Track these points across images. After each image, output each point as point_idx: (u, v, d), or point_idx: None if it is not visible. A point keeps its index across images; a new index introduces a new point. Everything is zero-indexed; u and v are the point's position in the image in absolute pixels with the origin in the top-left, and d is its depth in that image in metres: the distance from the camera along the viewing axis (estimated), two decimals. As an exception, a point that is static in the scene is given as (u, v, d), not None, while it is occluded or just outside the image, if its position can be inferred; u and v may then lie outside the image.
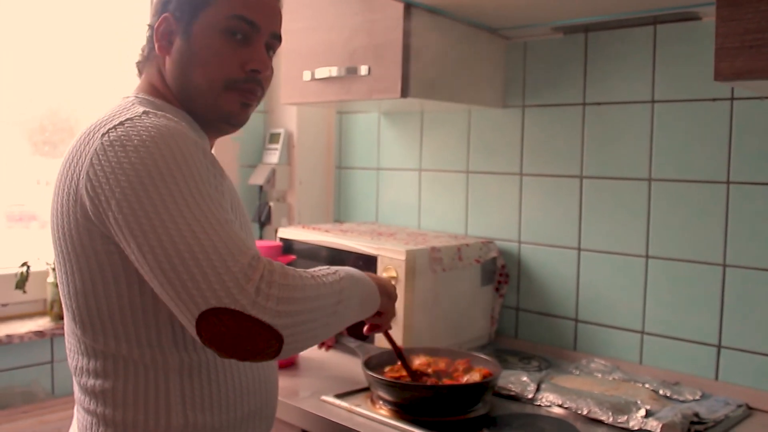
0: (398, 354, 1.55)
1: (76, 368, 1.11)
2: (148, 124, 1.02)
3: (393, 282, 1.67)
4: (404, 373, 1.54)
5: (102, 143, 1.01)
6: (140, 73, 1.24)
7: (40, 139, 2.20)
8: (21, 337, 1.92)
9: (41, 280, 2.09)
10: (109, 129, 1.02)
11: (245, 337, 0.92)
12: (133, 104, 1.10)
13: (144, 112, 1.05)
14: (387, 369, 1.57)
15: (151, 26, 1.20)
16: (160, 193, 0.95)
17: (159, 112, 1.07)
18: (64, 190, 1.05)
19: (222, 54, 1.14)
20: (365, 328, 1.43)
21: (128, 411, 1.06)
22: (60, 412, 1.91)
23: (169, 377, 1.08)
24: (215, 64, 1.14)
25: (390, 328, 1.46)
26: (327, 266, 1.11)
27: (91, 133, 1.04)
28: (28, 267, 2.03)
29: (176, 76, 1.17)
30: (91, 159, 1.00)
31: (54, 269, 2.03)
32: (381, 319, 1.38)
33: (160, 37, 1.17)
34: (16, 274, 2.03)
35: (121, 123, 1.02)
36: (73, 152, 1.06)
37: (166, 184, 0.96)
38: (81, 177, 1.01)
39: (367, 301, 1.22)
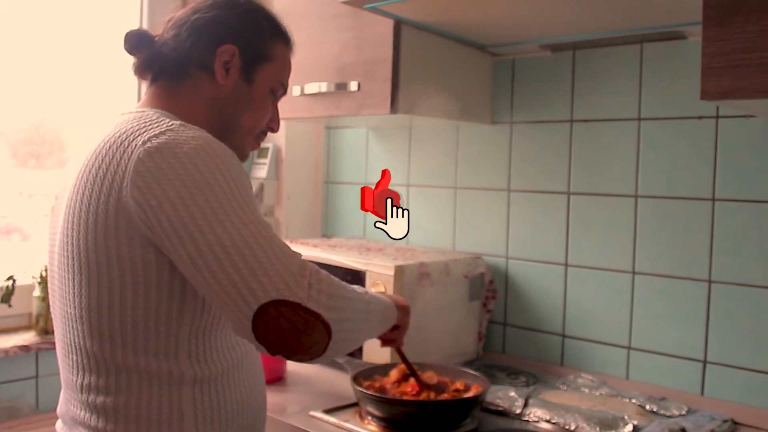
0: (410, 369, 1.56)
1: (82, 386, 1.10)
2: (191, 135, 1.05)
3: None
4: (389, 387, 1.54)
5: (146, 150, 1.02)
6: (154, 81, 1.23)
7: (25, 151, 2.19)
8: (6, 351, 1.91)
9: (27, 294, 2.07)
10: (150, 137, 1.03)
11: (302, 329, 0.99)
12: (159, 117, 1.10)
13: (181, 124, 1.07)
14: (376, 384, 1.57)
15: (196, 44, 1.20)
16: (215, 195, 1.01)
17: (194, 126, 1.09)
18: (94, 201, 1.05)
19: (266, 109, 1.28)
20: (380, 343, 1.50)
21: (141, 426, 1.07)
22: (45, 427, 1.89)
23: (182, 391, 1.09)
24: (262, 117, 1.28)
25: (402, 344, 1.51)
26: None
27: (124, 143, 1.04)
28: (14, 281, 2.01)
29: (224, 109, 1.22)
30: (136, 166, 1.01)
31: (40, 283, 2.02)
32: (397, 333, 1.46)
33: (223, 64, 1.20)
34: (1, 288, 2.01)
35: (162, 132, 1.04)
36: (101, 164, 1.05)
37: (221, 188, 1.01)
38: (125, 185, 1.02)
39: (388, 314, 1.33)
